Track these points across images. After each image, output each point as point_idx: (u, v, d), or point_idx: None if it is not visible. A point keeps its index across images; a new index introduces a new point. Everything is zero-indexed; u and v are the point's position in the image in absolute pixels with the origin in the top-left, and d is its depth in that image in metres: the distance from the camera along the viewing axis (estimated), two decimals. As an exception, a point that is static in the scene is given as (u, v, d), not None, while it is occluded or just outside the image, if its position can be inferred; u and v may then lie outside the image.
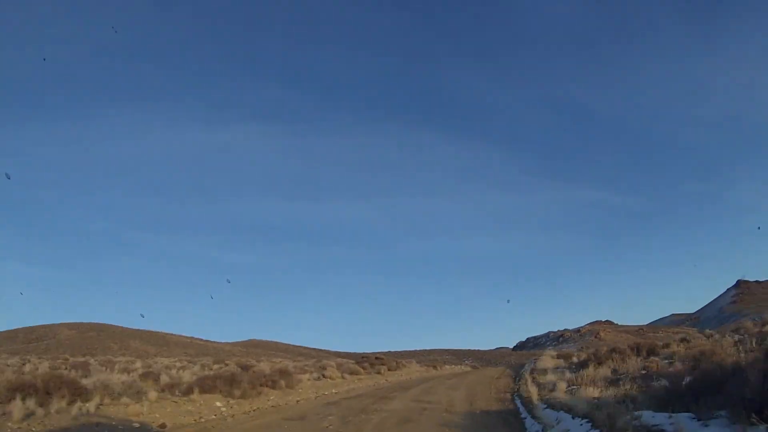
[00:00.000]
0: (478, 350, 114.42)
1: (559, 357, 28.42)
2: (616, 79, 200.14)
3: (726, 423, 5.48)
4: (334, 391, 21.80)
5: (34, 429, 9.32)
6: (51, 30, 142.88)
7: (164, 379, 17.75)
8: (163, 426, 11.04)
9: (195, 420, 12.19)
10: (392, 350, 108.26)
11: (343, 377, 28.02)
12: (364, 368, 34.27)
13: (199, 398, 14.96)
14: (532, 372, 22.16)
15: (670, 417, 6.41)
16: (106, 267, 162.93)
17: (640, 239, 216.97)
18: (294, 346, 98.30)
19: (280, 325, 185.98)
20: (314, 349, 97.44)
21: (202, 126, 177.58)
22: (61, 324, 77.13)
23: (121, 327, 76.08)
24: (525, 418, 11.75)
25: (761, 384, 5.14)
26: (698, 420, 5.89)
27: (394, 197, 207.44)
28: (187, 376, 18.98)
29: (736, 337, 21.43)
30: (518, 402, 15.28)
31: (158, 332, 77.07)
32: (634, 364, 18.29)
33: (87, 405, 11.10)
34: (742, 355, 12.11)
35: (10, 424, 9.22)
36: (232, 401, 16.56)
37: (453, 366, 53.52)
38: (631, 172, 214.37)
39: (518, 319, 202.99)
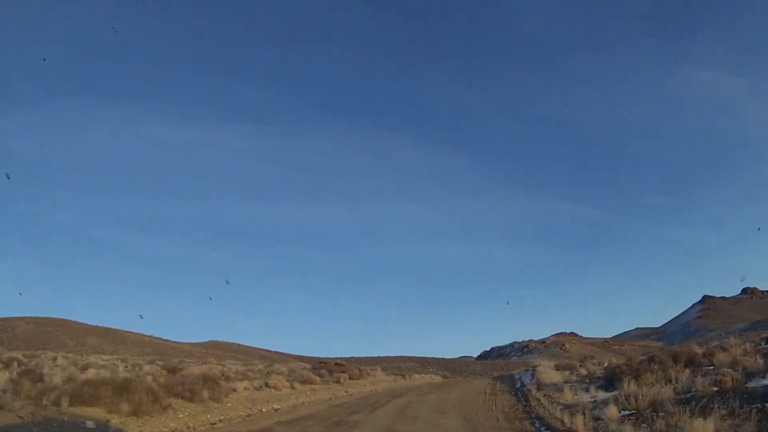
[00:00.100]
0: (443, 358, 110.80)
1: (558, 368, 23.49)
2: (585, 92, 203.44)
3: None
4: (275, 407, 15.87)
5: None
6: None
7: (56, 380, 14.68)
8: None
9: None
10: (356, 356, 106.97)
11: (292, 387, 22.06)
12: (321, 375, 28.30)
13: (67, 411, 11.47)
14: (539, 387, 16.91)
15: None
16: (71, 262, 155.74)
17: (606, 252, 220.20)
18: (256, 348, 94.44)
19: (246, 328, 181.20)
20: (277, 352, 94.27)
21: (175, 123, 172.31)
22: (19, 318, 73.53)
23: (81, 323, 73.71)
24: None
25: None
26: None
27: (363, 201, 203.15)
28: (84, 377, 15.41)
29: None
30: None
31: (117, 330, 74.99)
32: (685, 377, 13.46)
33: None
34: None
35: None
36: (116, 419, 11.85)
37: (422, 375, 48.08)
38: (599, 185, 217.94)
39: (482, 328, 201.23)
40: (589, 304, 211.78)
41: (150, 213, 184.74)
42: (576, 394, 14.78)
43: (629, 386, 14.38)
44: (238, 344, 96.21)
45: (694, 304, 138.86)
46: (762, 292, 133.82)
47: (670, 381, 13.76)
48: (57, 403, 12.18)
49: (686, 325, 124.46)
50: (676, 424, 7.86)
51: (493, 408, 14.19)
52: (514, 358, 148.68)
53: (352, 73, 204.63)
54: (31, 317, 74.38)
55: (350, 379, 28.40)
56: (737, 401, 9.66)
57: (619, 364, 15.51)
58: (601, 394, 13.99)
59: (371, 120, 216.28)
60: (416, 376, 42.97)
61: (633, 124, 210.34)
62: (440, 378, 48.43)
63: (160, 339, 77.13)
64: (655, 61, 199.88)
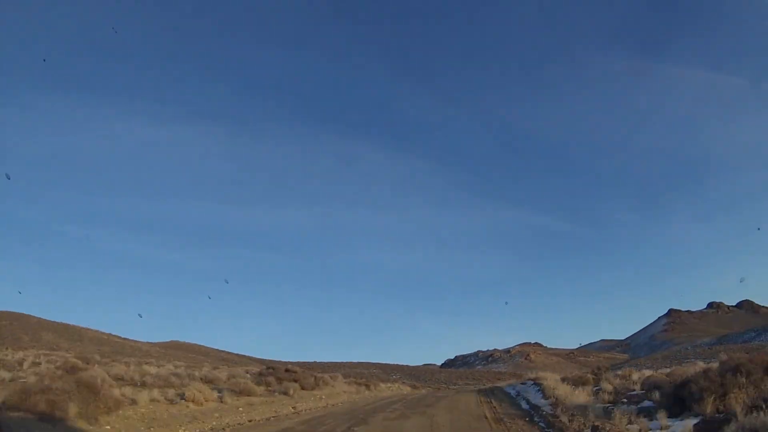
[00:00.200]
0: (406, 366, 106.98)
1: (566, 381, 18.74)
2: (557, 105, 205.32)
3: None
4: (175, 435, 10.29)
5: None
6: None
7: None
8: None
9: None
10: (318, 360, 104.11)
11: (220, 400, 16.35)
12: (267, 384, 22.60)
13: None
14: (563, 409, 11.99)
15: None
16: (31, 256, 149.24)
17: (572, 264, 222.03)
18: (216, 350, 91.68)
19: (215, 330, 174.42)
20: (238, 355, 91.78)
21: (141, 122, 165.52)
22: (-28, 311, 69.76)
23: (38, 318, 70.26)
24: None
25: None
26: None
27: (328, 206, 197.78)
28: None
29: None
30: None
31: (75, 326, 71.77)
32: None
33: None
34: None
35: None
36: None
37: (388, 384, 42.70)
38: (567, 197, 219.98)
39: (445, 335, 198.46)
40: (554, 315, 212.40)
41: (114, 211, 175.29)
42: (631, 423, 9.96)
43: (710, 408, 9.72)
44: (200, 345, 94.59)
45: (659, 317, 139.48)
46: (728, 306, 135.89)
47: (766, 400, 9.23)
48: None
49: (652, 338, 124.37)
50: None
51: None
52: (479, 366, 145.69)
53: (322, 80, 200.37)
54: (-15, 311, 71.18)
55: (302, 389, 22.81)
56: None
57: (689, 377, 10.74)
58: (677, 425, 9.18)
59: (341, 126, 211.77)
60: (382, 385, 37.59)
61: (605, 139, 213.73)
62: (409, 388, 43.23)
63: (119, 337, 74.89)
64: (624, 75, 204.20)
